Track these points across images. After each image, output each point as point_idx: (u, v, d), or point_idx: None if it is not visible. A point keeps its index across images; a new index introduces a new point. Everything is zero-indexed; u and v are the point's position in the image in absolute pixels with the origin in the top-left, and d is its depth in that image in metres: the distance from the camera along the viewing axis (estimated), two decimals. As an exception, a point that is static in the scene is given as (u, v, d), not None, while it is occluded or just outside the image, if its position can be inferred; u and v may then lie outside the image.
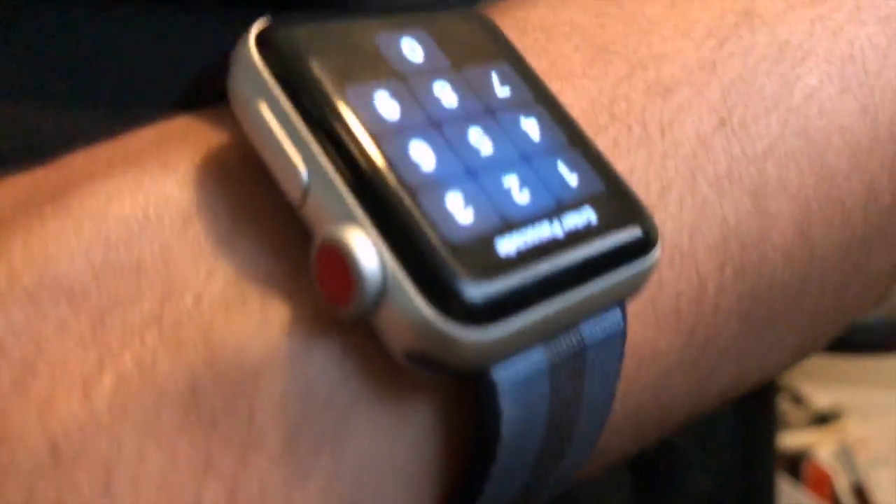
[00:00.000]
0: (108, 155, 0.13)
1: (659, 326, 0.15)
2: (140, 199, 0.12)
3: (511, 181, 0.12)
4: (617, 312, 0.13)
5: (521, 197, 0.12)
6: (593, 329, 0.12)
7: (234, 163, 0.12)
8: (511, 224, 0.11)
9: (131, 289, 0.11)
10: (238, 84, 0.12)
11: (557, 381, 0.12)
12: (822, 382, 1.66)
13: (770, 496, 0.75)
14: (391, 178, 0.11)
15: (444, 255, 0.10)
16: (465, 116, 0.12)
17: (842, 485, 1.33)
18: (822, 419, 1.53)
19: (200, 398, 0.10)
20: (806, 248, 0.17)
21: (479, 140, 0.12)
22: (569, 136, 0.13)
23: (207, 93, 0.13)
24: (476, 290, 0.10)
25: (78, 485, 0.10)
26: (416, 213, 0.11)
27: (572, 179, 0.12)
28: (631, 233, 0.13)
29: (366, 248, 0.10)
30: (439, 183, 0.11)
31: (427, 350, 0.11)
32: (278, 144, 0.11)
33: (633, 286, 0.13)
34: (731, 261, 0.16)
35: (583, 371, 0.12)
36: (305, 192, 0.11)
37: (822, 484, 1.34)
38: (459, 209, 0.11)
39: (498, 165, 0.12)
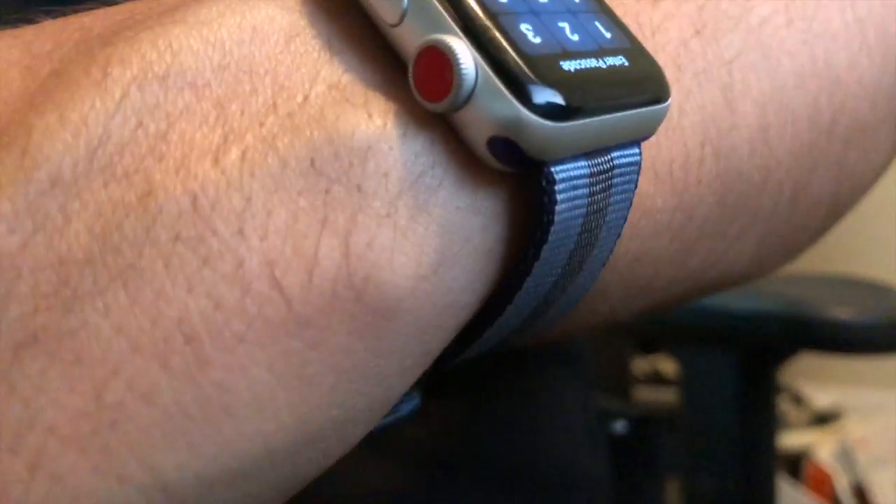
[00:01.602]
0: None
1: (657, 183, 0.18)
2: (248, 16, 0.14)
3: (564, 25, 0.15)
4: (635, 148, 0.16)
5: (573, 37, 0.15)
6: (620, 155, 0.15)
7: None
8: (568, 52, 0.14)
9: (246, 86, 0.13)
10: None
11: (593, 189, 0.15)
12: (822, 382, 1.66)
13: (770, 496, 0.75)
14: (479, 4, 0.14)
15: (525, 61, 0.13)
16: None
17: (842, 484, 1.33)
18: (822, 419, 1.53)
19: (318, 169, 0.13)
20: (766, 146, 0.20)
21: None
22: (600, 5, 0.16)
23: None
24: (548, 91, 0.13)
25: (216, 228, 0.12)
26: (501, 30, 0.13)
27: (607, 34, 0.15)
28: (654, 82, 0.16)
29: (464, 52, 0.13)
30: (514, 13, 0.14)
31: (509, 136, 0.13)
32: None
33: (649, 129, 0.16)
34: (710, 141, 0.19)
35: (610, 188, 0.15)
36: (403, 14, 0.14)
37: (822, 484, 1.34)
38: (531, 34, 0.14)
39: (553, 13, 0.15)
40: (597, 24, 0.15)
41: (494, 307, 0.15)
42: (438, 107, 0.13)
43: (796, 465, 1.37)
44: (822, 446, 1.38)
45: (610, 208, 0.15)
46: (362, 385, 0.13)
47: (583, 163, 0.14)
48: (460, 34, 0.13)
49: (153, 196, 0.12)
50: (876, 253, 1.70)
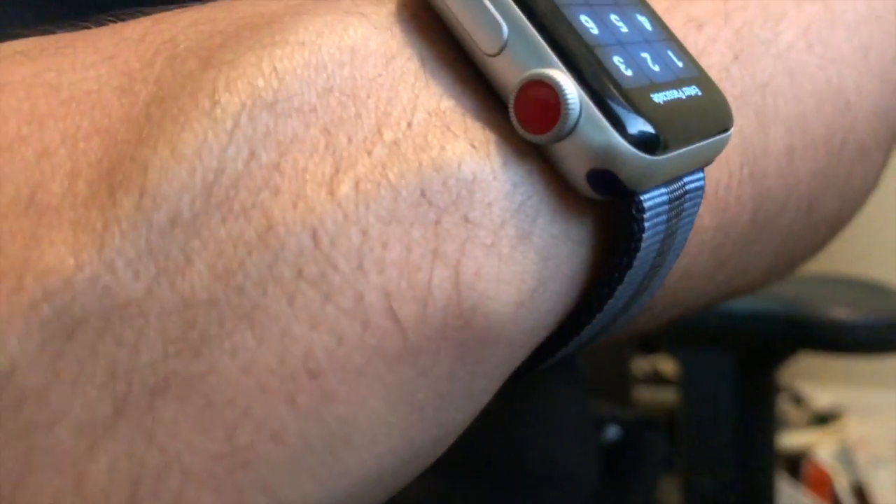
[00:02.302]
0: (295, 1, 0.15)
1: (705, 204, 0.19)
2: (346, 36, 0.14)
3: (646, 56, 0.15)
4: (701, 174, 0.16)
5: (655, 68, 0.15)
6: (690, 181, 0.16)
7: (421, 16, 0.15)
8: (655, 84, 0.15)
9: (350, 111, 0.13)
10: None
11: (670, 215, 0.15)
12: (822, 382, 1.66)
13: (770, 496, 0.75)
14: (577, 37, 0.14)
15: (624, 96, 0.14)
16: (603, 3, 0.15)
17: (842, 484, 1.33)
18: (822, 419, 1.53)
19: (428, 199, 0.13)
20: (791, 167, 0.21)
21: (618, 22, 0.15)
22: (667, 33, 0.16)
23: None
24: (646, 124, 0.14)
25: (337, 265, 0.12)
26: (600, 64, 0.14)
27: (680, 63, 0.16)
28: (722, 111, 0.16)
29: (570, 86, 0.13)
30: (607, 46, 0.14)
31: (609, 167, 0.14)
32: (480, 4, 0.14)
33: (714, 156, 0.16)
34: (748, 164, 0.20)
35: (681, 213, 0.16)
36: (504, 46, 0.14)
37: (822, 484, 1.34)
38: (623, 67, 0.14)
39: (635, 43, 0.15)
40: (669, 53, 0.16)
41: (570, 327, 0.16)
42: (540, 139, 0.14)
43: (796, 465, 1.37)
44: (821, 446, 1.38)
45: (679, 231, 0.16)
46: (461, 405, 0.14)
47: (664, 190, 0.15)
48: (562, 68, 0.14)
49: (273, 232, 0.12)
50: (876, 253, 1.70)
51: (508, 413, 0.32)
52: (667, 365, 1.59)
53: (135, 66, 0.13)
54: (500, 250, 0.13)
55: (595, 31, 0.14)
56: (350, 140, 0.13)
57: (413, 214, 0.13)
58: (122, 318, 0.11)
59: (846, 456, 1.36)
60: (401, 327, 0.12)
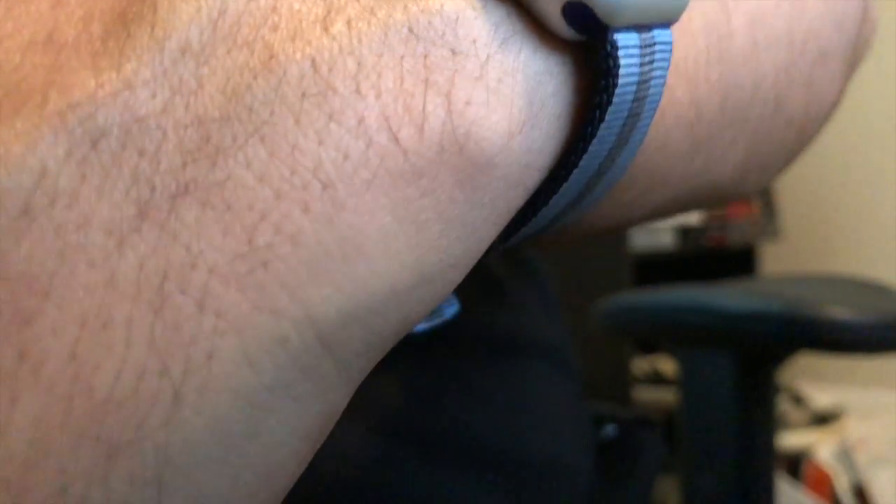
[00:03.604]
0: None
1: (676, 76, 0.20)
2: None
3: None
4: (668, 29, 0.17)
5: None
6: (659, 33, 0.16)
7: None
8: None
9: None
10: None
11: (642, 59, 0.16)
12: (822, 383, 1.66)
13: (770, 496, 0.75)
14: None
15: None
16: None
17: (842, 484, 1.33)
18: (822, 419, 1.53)
19: (416, 35, 0.14)
20: (755, 59, 0.22)
21: None
22: None
23: None
24: None
25: (336, 88, 0.13)
26: None
27: None
28: None
29: None
30: None
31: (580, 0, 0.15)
32: None
33: (677, 12, 0.17)
34: (713, 46, 0.21)
35: (653, 62, 0.16)
36: None
37: (821, 484, 1.34)
38: None
39: None
40: None
41: (559, 174, 0.17)
42: None
43: (796, 465, 1.37)
44: (821, 446, 1.38)
45: (653, 81, 0.17)
46: (461, 232, 0.15)
47: (634, 34, 0.16)
48: None
49: (276, 60, 0.13)
50: (876, 253, 1.71)
51: (509, 404, 0.32)
52: (666, 365, 1.59)
53: None
54: (488, 83, 0.14)
55: None
56: None
57: (403, 48, 0.14)
58: (141, 131, 0.13)
59: (846, 456, 1.36)
60: (401, 147, 0.14)
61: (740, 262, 1.74)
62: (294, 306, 0.13)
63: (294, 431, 0.13)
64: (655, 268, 1.53)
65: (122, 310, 0.12)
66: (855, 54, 0.29)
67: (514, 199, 0.16)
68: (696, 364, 0.73)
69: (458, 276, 0.15)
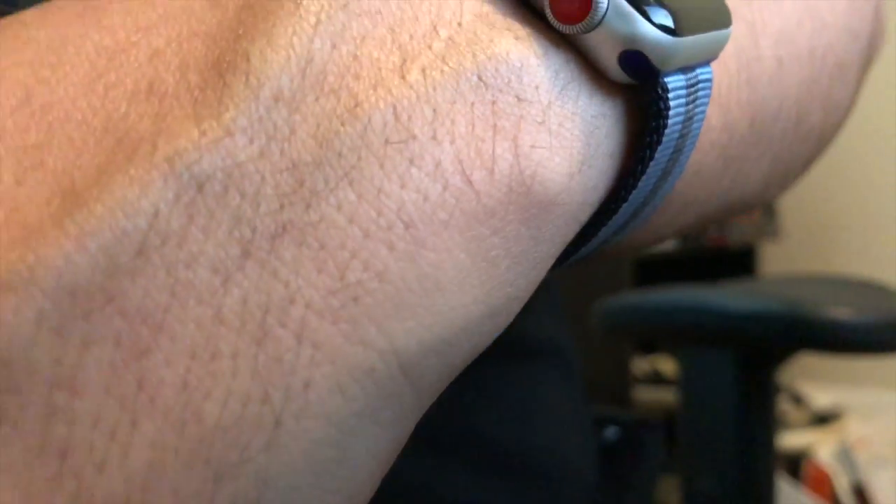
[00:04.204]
0: None
1: (711, 104, 0.21)
2: None
3: None
4: (709, 67, 0.18)
5: None
6: (702, 71, 0.18)
7: None
8: None
9: (408, 14, 0.15)
10: None
11: (688, 99, 0.17)
12: (821, 383, 1.66)
13: (770, 496, 0.75)
14: None
15: None
16: None
17: (841, 484, 1.33)
18: (822, 419, 1.53)
19: (484, 82, 0.15)
20: (780, 77, 0.24)
21: None
22: None
23: None
24: (663, 11, 0.16)
25: (415, 134, 0.14)
26: None
27: None
28: (722, 10, 0.19)
29: None
30: None
31: (638, 48, 0.16)
32: None
33: (718, 50, 0.19)
34: (743, 69, 0.22)
35: (696, 99, 0.18)
36: None
37: (821, 484, 1.34)
38: None
39: None
40: None
41: (608, 207, 0.18)
42: (576, 28, 0.16)
43: (796, 465, 1.37)
44: (821, 446, 1.38)
45: (696, 118, 0.18)
46: (525, 267, 0.16)
47: (681, 76, 0.17)
48: None
49: (360, 108, 0.14)
50: (876, 253, 1.71)
51: (518, 406, 0.33)
52: (666, 365, 1.59)
53: None
54: (550, 127, 0.16)
55: None
56: (412, 37, 0.15)
57: (473, 95, 0.15)
58: (241, 175, 0.14)
59: (846, 456, 1.36)
60: (474, 189, 0.15)
61: (740, 262, 1.74)
62: (381, 338, 0.14)
63: (375, 455, 0.14)
64: (655, 268, 1.53)
65: (228, 342, 0.13)
66: (868, 57, 0.30)
67: (570, 233, 0.17)
68: (696, 364, 0.73)
69: (518, 307, 0.16)
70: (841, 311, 0.66)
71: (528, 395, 0.33)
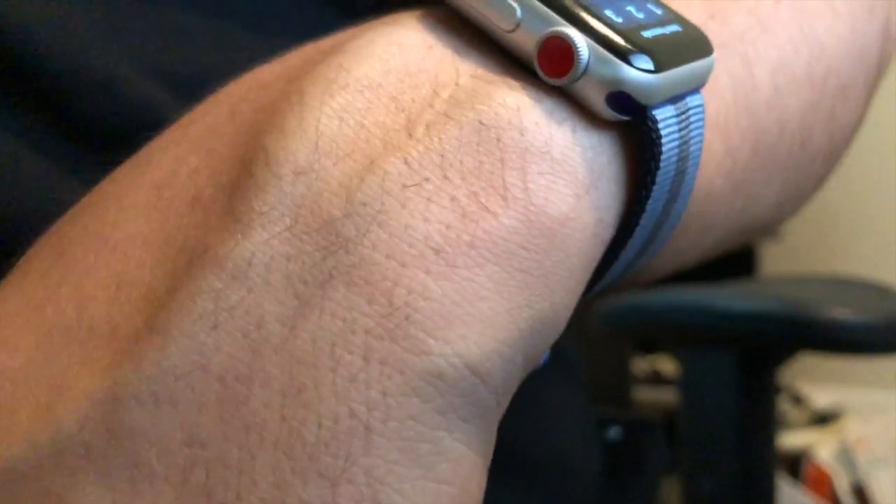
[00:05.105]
0: (348, 33, 0.19)
1: (711, 130, 0.23)
2: (391, 37, 0.18)
3: (630, 8, 0.19)
4: (698, 94, 0.20)
5: (640, 15, 0.19)
6: (691, 99, 0.20)
7: (448, 18, 0.19)
8: (642, 25, 0.19)
9: (407, 82, 0.18)
10: None
11: (680, 125, 0.19)
12: (821, 383, 1.66)
13: (770, 496, 0.75)
14: (575, 2, 0.18)
15: (620, 36, 0.18)
16: None
17: (841, 484, 1.33)
18: (822, 419, 1.53)
19: (487, 125, 0.17)
20: (779, 104, 0.25)
21: None
22: None
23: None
24: (641, 54, 0.18)
25: (428, 177, 0.16)
26: (595, 16, 0.18)
27: (659, 11, 0.20)
28: (702, 40, 0.20)
29: (579, 37, 0.18)
30: (598, 4, 0.18)
31: (624, 90, 0.18)
32: None
33: (704, 77, 0.20)
34: (740, 99, 0.24)
35: (689, 125, 0.20)
36: (519, 22, 0.18)
37: (821, 484, 1.34)
38: (614, 16, 0.18)
39: (619, 1, 0.19)
40: (649, 5, 0.20)
41: (625, 232, 0.20)
42: (562, 81, 0.18)
43: (796, 465, 1.37)
44: (821, 446, 1.38)
45: (692, 141, 0.20)
46: (561, 277, 0.17)
47: (670, 106, 0.19)
48: (569, 25, 0.18)
49: (376, 164, 0.16)
50: (876, 253, 1.71)
51: (521, 406, 0.33)
52: (667, 365, 1.59)
53: (235, 98, 0.19)
54: (553, 156, 0.17)
55: None
56: (414, 100, 0.17)
57: (477, 137, 0.17)
58: (282, 242, 0.16)
59: (846, 456, 1.36)
60: (491, 212, 0.16)
61: (740, 262, 1.74)
62: (439, 346, 0.16)
63: (471, 447, 0.16)
64: (655, 268, 1.53)
65: (308, 376, 0.15)
66: (877, 74, 0.31)
67: (596, 249, 0.18)
68: (696, 364, 0.73)
69: (567, 314, 0.18)
70: (841, 312, 0.66)
71: (530, 395, 0.33)
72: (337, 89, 0.17)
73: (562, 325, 0.18)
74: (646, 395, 1.55)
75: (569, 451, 0.34)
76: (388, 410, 0.15)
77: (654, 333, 0.84)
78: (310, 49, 0.19)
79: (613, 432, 0.41)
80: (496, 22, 0.18)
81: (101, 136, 0.19)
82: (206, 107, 0.19)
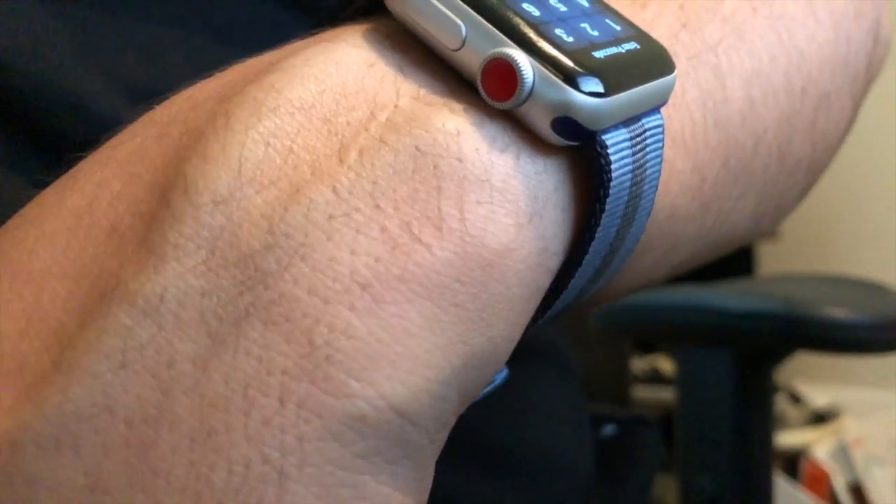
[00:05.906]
0: (290, 48, 0.18)
1: (675, 148, 0.22)
2: (329, 55, 0.17)
3: (585, 25, 0.18)
4: (657, 114, 0.19)
5: (594, 33, 0.18)
6: (648, 120, 0.19)
7: (393, 35, 0.18)
8: (595, 45, 0.18)
9: (343, 104, 0.16)
10: None
11: (634, 149, 0.18)
12: (819, 382, 1.66)
13: (767, 495, 0.75)
14: (521, 20, 0.17)
15: (568, 57, 0.17)
16: None
17: (839, 483, 1.33)
18: (820, 418, 1.53)
19: (423, 151, 0.16)
20: (754, 115, 0.24)
21: (557, 4, 0.18)
22: (603, 6, 0.20)
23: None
24: (590, 76, 0.17)
25: (357, 206, 0.15)
26: (544, 38, 0.17)
27: (617, 27, 0.19)
28: (662, 58, 0.19)
29: (521, 57, 0.17)
30: (548, 23, 0.17)
31: (569, 114, 0.17)
32: (439, 11, 0.17)
33: (664, 97, 0.19)
34: (710, 113, 0.23)
35: (645, 147, 0.18)
36: (464, 40, 0.17)
37: (819, 482, 1.34)
38: (565, 36, 0.17)
39: (574, 17, 0.18)
40: (607, 20, 0.19)
41: (574, 260, 0.18)
42: (506, 104, 0.17)
43: (794, 463, 1.37)
44: (819, 445, 1.38)
45: (648, 164, 0.19)
46: (501, 310, 0.16)
47: (623, 130, 0.18)
48: (514, 46, 0.17)
49: (301, 192, 0.15)
50: (874, 252, 1.71)
51: (513, 403, 0.33)
52: (665, 364, 1.59)
53: (164, 119, 0.18)
54: (493, 184, 0.16)
55: (537, 13, 0.18)
56: (349, 123, 0.16)
57: (412, 164, 0.16)
58: (196, 277, 0.15)
59: (843, 455, 1.36)
60: (425, 243, 0.15)
61: (739, 261, 1.74)
62: (362, 387, 0.15)
63: (397, 488, 0.15)
64: (654, 267, 1.53)
65: (218, 419, 0.14)
66: (866, 80, 0.30)
67: (541, 279, 0.17)
68: (694, 363, 0.73)
69: (510, 347, 0.17)
70: (838, 311, 0.66)
71: (523, 392, 0.33)
72: (266, 112, 0.16)
73: (503, 357, 0.17)
74: (644, 394, 1.55)
75: (559, 448, 0.34)
76: (303, 456, 0.14)
77: (653, 332, 0.84)
78: (251, 64, 0.18)
79: (608, 430, 0.41)
80: (441, 40, 0.17)
81: (73, 152, 0.18)
82: (137, 127, 0.18)
